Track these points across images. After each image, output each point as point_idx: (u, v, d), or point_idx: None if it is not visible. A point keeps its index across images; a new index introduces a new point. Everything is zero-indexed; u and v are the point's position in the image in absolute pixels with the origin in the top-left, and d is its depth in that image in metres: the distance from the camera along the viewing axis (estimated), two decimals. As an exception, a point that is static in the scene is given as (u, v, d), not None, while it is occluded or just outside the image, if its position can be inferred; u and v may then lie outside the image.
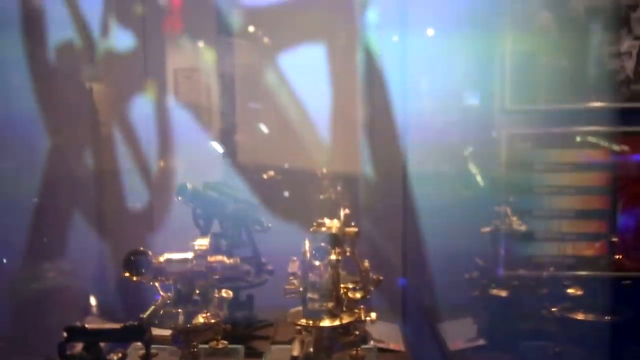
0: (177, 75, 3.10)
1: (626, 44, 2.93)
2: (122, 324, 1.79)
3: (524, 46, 3.00)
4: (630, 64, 2.94)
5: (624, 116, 2.94)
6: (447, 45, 3.08)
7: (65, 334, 1.78)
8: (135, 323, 1.79)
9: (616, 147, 2.94)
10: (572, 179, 3.01)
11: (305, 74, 3.09)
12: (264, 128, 3.17)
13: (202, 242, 1.98)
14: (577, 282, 2.52)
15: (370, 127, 3.13)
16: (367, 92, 3.10)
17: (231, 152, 3.18)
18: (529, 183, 3.02)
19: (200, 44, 3.07)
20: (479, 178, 3.08)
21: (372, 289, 2.18)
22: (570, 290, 2.45)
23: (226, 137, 3.18)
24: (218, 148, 3.15)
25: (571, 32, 2.98)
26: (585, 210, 3.00)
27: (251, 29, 3.05)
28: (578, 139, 2.99)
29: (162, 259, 1.95)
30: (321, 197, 2.96)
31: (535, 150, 3.02)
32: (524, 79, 3.01)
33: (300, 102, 3.11)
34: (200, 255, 1.96)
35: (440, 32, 3.10)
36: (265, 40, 3.08)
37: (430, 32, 3.13)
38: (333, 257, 2.03)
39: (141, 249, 1.93)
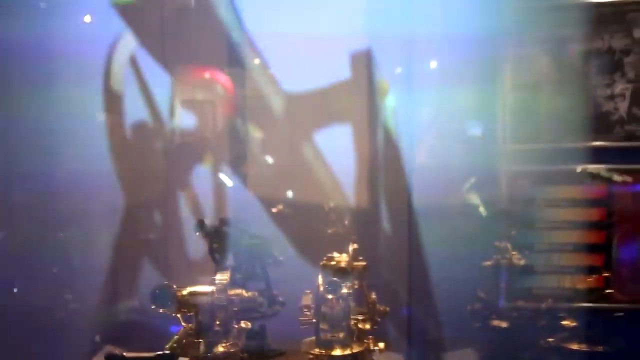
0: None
1: (620, 87, 3.07)
2: (154, 353, 1.92)
3: (524, 88, 3.14)
4: (623, 106, 3.08)
5: (619, 155, 3.07)
6: (452, 88, 3.19)
7: (105, 361, 1.92)
8: (167, 352, 1.93)
9: (617, 177, 3.06)
10: (570, 214, 3.11)
11: (313, 109, 3.21)
12: (273, 161, 3.27)
13: (223, 277, 2.12)
14: (572, 313, 2.64)
15: (376, 162, 3.22)
16: (374, 128, 3.20)
17: (241, 185, 3.27)
18: (529, 218, 3.13)
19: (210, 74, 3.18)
20: (481, 213, 3.19)
21: (379, 319, 2.32)
22: (565, 322, 2.58)
23: (236, 170, 3.29)
24: (227, 181, 3.26)
25: (568, 75, 3.12)
26: (582, 245, 3.10)
27: (258, 61, 3.14)
28: (575, 176, 3.11)
29: (185, 292, 2.09)
30: (329, 231, 3.08)
31: (534, 186, 3.13)
32: (524, 119, 3.14)
33: (308, 137, 3.22)
34: (221, 288, 2.10)
35: (445, 72, 3.23)
36: (274, 73, 3.18)
37: (435, 68, 3.27)
38: (345, 290, 2.17)
39: (166, 282, 2.06)
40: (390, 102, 3.11)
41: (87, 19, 2.91)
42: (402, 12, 3.19)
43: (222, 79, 2.97)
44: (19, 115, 3.01)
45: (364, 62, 3.08)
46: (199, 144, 3.05)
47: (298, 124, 3.19)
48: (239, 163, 3.23)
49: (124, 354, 1.90)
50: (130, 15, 2.78)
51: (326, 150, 3.25)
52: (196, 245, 2.83)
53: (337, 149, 3.24)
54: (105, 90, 2.93)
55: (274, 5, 3.05)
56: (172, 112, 2.97)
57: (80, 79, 3.02)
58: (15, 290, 2.95)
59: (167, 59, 2.96)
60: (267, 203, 3.21)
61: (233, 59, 3.03)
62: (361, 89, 3.13)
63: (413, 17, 3.18)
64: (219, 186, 3.19)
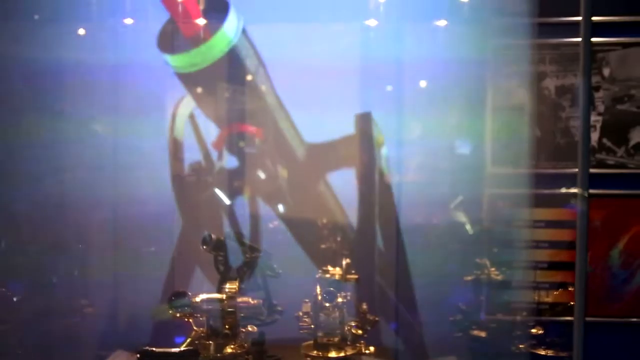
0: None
1: (591, 119, 3.27)
2: (179, 349, 2.16)
3: (503, 118, 3.34)
4: (594, 136, 3.29)
5: (591, 181, 3.29)
6: (439, 109, 3.41)
7: (138, 356, 2.15)
8: (191, 348, 2.16)
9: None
10: (545, 234, 3.32)
11: (326, 155, 3.43)
12: (269, 178, 3.42)
13: (232, 286, 2.36)
14: (542, 324, 2.89)
15: (373, 194, 3.35)
16: (372, 170, 3.35)
17: (238, 201, 3.42)
18: (508, 237, 3.32)
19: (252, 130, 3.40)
20: (465, 231, 3.38)
21: (369, 328, 2.56)
22: (533, 330, 2.84)
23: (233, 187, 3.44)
24: (224, 198, 3.43)
25: (544, 107, 3.32)
26: (556, 262, 3.31)
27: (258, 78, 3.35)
28: (550, 199, 3.30)
29: (198, 299, 2.33)
30: (322, 246, 3.29)
31: (513, 208, 3.33)
32: (503, 146, 3.34)
33: (322, 176, 3.44)
34: (231, 296, 2.34)
35: (433, 93, 3.46)
36: (271, 86, 3.36)
37: (423, 88, 3.48)
38: (340, 299, 2.42)
39: (181, 290, 2.31)
40: (384, 151, 3.37)
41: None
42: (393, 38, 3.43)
43: (258, 133, 3.27)
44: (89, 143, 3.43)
45: (366, 121, 3.32)
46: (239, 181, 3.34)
47: (314, 166, 3.44)
48: (271, 197, 3.45)
49: (153, 349, 2.13)
50: (190, 80, 3.12)
51: (319, 168, 3.45)
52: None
53: (344, 183, 3.45)
54: (170, 138, 3.30)
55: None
56: (220, 155, 3.25)
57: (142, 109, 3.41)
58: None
59: (219, 116, 3.28)
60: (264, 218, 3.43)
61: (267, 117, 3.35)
62: (363, 141, 3.37)
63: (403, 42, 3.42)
64: (253, 216, 3.42)
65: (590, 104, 3.13)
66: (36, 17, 3.40)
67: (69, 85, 3.43)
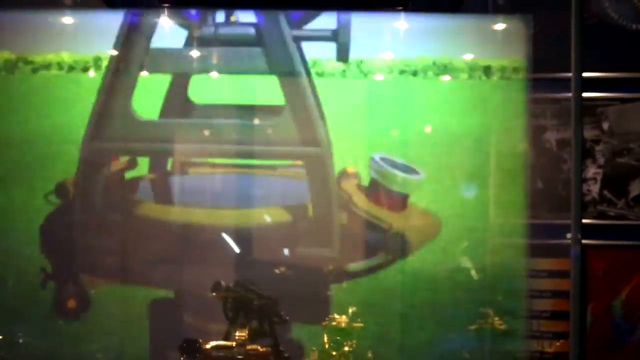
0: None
1: (592, 172, 3.35)
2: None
3: (507, 169, 3.44)
4: (595, 188, 3.36)
5: (593, 232, 3.30)
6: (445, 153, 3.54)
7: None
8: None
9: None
10: (548, 284, 3.36)
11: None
12: (276, 224, 3.52)
13: (242, 333, 2.42)
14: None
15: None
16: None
17: (247, 248, 3.52)
18: (511, 287, 3.38)
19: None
20: (470, 278, 3.42)
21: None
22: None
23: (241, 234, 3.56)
24: (233, 245, 3.51)
25: (545, 159, 3.40)
26: (558, 312, 3.33)
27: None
28: (554, 249, 3.34)
29: (209, 346, 2.39)
30: (328, 292, 3.37)
31: (516, 258, 3.39)
32: (507, 198, 3.42)
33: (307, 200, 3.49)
34: (240, 343, 2.39)
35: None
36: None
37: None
38: (346, 348, 2.47)
39: (193, 338, 2.37)
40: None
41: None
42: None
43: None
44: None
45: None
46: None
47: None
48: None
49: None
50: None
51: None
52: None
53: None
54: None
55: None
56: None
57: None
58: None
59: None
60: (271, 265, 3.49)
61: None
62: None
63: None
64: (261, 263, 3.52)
65: (582, 158, 3.20)
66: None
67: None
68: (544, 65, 3.30)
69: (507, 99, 3.47)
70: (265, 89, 3.46)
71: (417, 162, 3.52)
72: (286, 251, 3.49)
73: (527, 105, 3.41)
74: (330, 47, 3.48)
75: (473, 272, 3.42)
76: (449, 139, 3.50)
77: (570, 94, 3.16)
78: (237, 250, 3.46)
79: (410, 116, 3.54)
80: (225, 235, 3.47)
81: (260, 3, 3.10)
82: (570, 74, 2.56)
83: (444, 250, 3.49)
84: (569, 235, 2.93)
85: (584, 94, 3.27)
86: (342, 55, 3.44)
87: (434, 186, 3.52)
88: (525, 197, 3.41)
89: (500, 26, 3.42)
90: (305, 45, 3.48)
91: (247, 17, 3.48)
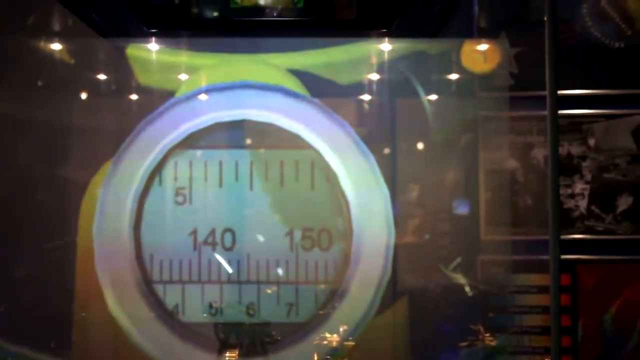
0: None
1: (579, 187, 3.39)
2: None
3: (495, 186, 3.45)
4: (583, 204, 3.39)
5: (581, 247, 3.36)
6: (433, 179, 3.56)
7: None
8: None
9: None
10: (539, 299, 3.37)
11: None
12: (266, 243, 3.50)
13: (233, 354, 2.44)
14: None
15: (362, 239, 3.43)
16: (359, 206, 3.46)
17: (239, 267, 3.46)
18: (501, 303, 3.39)
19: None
20: (464, 294, 3.42)
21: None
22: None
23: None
24: (226, 266, 3.46)
25: (533, 176, 3.43)
26: (549, 327, 3.32)
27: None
28: (543, 265, 3.40)
29: (199, 367, 2.40)
30: (320, 312, 3.36)
31: (506, 274, 3.40)
32: (496, 214, 3.44)
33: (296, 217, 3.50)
34: (231, 364, 2.41)
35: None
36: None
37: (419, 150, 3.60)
38: (337, 367, 2.48)
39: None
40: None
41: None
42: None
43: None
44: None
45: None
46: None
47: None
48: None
49: None
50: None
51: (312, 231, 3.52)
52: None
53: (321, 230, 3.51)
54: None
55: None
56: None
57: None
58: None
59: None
60: (262, 283, 3.47)
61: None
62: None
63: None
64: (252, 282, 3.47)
65: (558, 175, 3.24)
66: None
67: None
68: (529, 83, 3.33)
69: (493, 116, 3.47)
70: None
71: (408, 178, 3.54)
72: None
73: (515, 122, 3.44)
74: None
75: (467, 288, 3.43)
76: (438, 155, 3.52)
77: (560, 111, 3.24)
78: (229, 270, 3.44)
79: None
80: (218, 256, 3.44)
81: (247, 30, 3.13)
82: (563, 92, 2.58)
83: (436, 266, 3.50)
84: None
85: (571, 112, 3.38)
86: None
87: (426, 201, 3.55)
88: (514, 213, 3.43)
89: (483, 47, 3.47)
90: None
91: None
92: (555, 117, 2.32)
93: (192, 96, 3.49)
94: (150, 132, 3.43)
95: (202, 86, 3.48)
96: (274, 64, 3.49)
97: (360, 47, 3.54)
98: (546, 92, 3.23)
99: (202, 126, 3.47)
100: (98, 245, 3.35)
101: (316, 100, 3.46)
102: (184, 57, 3.54)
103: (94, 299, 3.30)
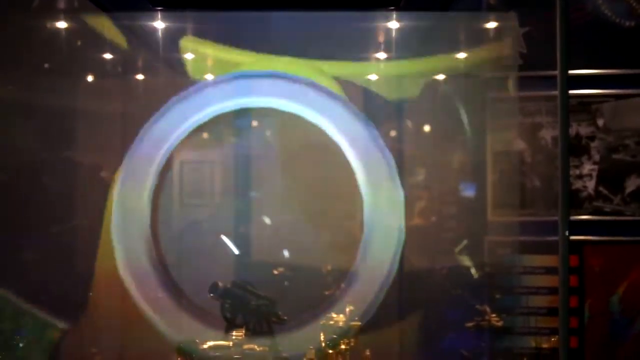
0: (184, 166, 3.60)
1: (587, 168, 3.37)
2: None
3: (502, 168, 3.45)
4: (591, 184, 3.38)
5: (588, 228, 3.35)
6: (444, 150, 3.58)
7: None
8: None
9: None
10: (545, 280, 3.36)
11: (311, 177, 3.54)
12: (274, 225, 3.54)
13: (239, 333, 2.44)
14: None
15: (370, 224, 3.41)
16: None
17: (244, 248, 3.54)
18: (508, 284, 3.39)
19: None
20: (465, 277, 3.43)
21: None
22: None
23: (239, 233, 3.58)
24: (232, 246, 3.52)
25: (541, 157, 3.42)
26: (555, 308, 3.28)
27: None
28: (550, 246, 3.41)
29: (206, 346, 2.40)
30: (326, 292, 3.41)
31: (513, 255, 3.41)
32: (504, 195, 3.43)
33: (307, 202, 3.51)
34: (237, 343, 2.41)
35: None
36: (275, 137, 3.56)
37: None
38: (343, 346, 2.49)
39: (190, 338, 2.38)
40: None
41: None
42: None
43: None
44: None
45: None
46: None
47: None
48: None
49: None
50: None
51: (323, 215, 3.56)
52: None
53: (334, 214, 3.56)
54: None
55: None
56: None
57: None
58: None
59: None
60: (269, 265, 3.52)
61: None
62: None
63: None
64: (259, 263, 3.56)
65: (576, 155, 3.25)
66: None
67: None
68: (538, 63, 3.30)
69: (502, 96, 3.45)
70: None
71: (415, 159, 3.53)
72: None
73: (524, 102, 3.41)
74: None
75: (473, 270, 3.43)
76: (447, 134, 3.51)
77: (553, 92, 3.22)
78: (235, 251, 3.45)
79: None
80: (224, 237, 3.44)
81: (252, 4, 3.11)
82: (571, 72, 2.56)
83: (442, 249, 3.50)
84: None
85: (580, 92, 3.35)
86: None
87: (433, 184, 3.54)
88: (522, 194, 3.42)
89: (492, 24, 3.43)
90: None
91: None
92: (566, 97, 2.29)
93: (220, 81, 3.47)
94: (179, 110, 3.42)
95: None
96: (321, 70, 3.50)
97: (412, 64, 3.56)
98: (556, 72, 3.26)
99: (227, 110, 3.46)
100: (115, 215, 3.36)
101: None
102: (232, 54, 3.53)
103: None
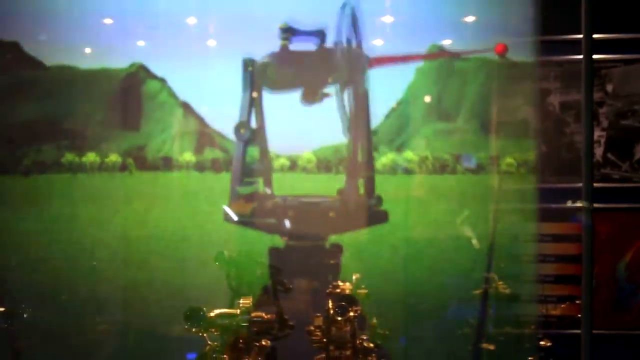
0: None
1: (596, 134, 3.33)
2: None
3: (509, 133, 3.47)
4: (599, 151, 3.38)
5: (596, 195, 3.35)
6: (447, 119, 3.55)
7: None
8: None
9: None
10: (552, 248, 3.39)
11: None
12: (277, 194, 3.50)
13: (246, 300, 2.43)
14: (550, 337, 2.94)
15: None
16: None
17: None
18: (515, 252, 3.40)
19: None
20: (473, 245, 3.44)
21: (379, 342, 2.61)
22: (541, 343, 2.89)
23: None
24: (233, 215, 3.54)
25: (549, 123, 3.41)
26: (562, 276, 3.38)
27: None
28: (556, 214, 3.37)
29: (213, 313, 2.39)
30: (331, 261, 3.39)
31: (520, 223, 3.42)
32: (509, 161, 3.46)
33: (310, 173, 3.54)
34: (244, 311, 2.40)
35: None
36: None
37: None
38: (351, 314, 2.47)
39: (197, 305, 2.37)
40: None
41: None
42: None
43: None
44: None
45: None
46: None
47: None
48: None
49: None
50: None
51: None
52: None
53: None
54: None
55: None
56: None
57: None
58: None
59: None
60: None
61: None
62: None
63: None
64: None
65: (592, 120, 3.20)
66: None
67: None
68: (550, 27, 3.25)
69: (512, 61, 3.41)
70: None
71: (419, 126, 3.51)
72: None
73: (533, 67, 3.38)
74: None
75: (475, 240, 3.42)
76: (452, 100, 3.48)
77: (575, 57, 3.18)
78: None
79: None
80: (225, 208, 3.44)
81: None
82: (579, 36, 2.52)
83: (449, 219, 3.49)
84: (573, 203, 2.98)
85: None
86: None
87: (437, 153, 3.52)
88: (529, 161, 3.44)
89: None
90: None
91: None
92: (591, 62, 2.25)
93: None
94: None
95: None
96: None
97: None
98: (569, 37, 3.22)
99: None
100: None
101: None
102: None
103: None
